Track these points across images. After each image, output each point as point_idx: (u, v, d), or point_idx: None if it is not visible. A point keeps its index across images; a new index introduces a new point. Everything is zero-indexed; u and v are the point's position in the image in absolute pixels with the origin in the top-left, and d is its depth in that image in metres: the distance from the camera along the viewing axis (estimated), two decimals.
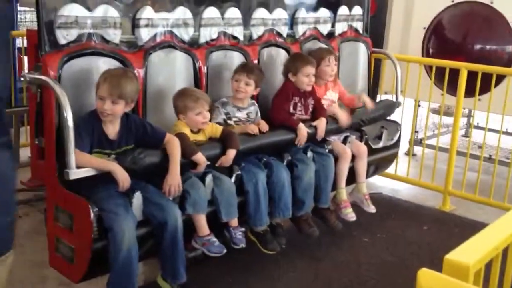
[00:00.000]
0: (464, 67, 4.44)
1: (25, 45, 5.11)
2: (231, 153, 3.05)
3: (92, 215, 2.55)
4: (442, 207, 4.63)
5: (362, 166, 3.91)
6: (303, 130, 3.47)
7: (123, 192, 2.66)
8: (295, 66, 3.59)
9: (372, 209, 3.98)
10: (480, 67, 4.49)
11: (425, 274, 1.18)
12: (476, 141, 5.58)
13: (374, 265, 3.54)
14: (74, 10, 2.76)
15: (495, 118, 4.74)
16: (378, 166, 4.34)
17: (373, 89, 4.89)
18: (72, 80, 2.75)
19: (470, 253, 1.29)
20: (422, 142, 5.30)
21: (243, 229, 3.14)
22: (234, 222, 3.11)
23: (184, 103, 3.02)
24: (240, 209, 3.13)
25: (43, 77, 2.64)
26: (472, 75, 4.43)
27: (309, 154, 3.58)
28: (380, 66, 5.07)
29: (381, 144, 4.24)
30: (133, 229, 2.58)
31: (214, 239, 2.95)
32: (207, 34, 3.45)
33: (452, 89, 4.62)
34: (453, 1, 5.26)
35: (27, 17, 8.83)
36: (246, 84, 3.33)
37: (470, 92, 4.48)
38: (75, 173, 2.53)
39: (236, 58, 3.61)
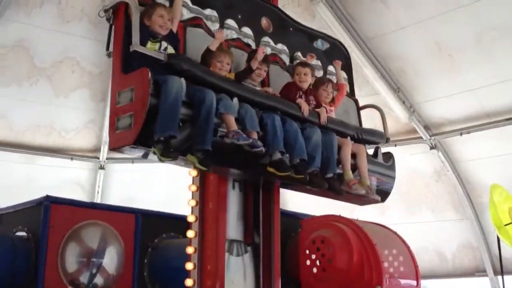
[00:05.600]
0: None
1: None
2: None
3: (149, 74, 3.47)
4: None
5: (363, 163, 4.65)
6: (304, 103, 4.34)
7: None
8: (292, 69, 4.72)
9: (376, 196, 4.78)
10: None
11: None
12: None
13: None
14: None
15: None
16: (378, 178, 4.95)
17: None
18: None
19: None
20: None
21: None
22: (254, 135, 3.88)
23: None
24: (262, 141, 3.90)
25: None
26: None
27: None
28: None
29: (378, 160, 4.96)
30: (182, 85, 3.59)
31: (242, 133, 3.77)
32: None
33: None
34: None
35: None
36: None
37: None
38: (137, 47, 3.56)
39: None
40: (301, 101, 4.35)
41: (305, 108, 4.31)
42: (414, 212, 10.32)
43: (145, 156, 3.82)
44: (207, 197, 4.14)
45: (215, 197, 4.14)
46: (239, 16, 4.65)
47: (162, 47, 3.87)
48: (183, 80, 3.64)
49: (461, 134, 9.41)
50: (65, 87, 9.74)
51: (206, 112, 3.62)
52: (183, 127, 3.62)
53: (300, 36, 5.23)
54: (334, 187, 4.38)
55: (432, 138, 9.74)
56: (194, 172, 4.22)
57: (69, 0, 8.83)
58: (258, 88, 4.30)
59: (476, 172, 9.74)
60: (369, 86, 9.23)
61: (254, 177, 4.39)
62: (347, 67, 5.63)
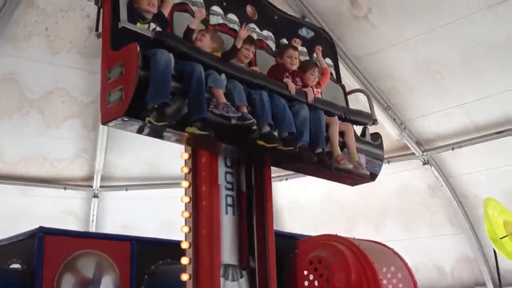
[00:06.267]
0: None
1: None
2: None
3: (138, 48, 3.54)
4: None
5: (351, 140, 4.74)
6: (290, 82, 4.42)
7: None
8: (280, 51, 4.84)
9: (366, 171, 4.83)
10: None
11: None
12: None
13: None
14: None
15: None
16: (368, 159, 5.08)
17: None
18: None
19: None
20: None
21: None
22: (243, 109, 3.95)
23: None
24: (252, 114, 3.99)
25: None
26: None
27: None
28: None
29: (366, 139, 5.10)
30: (171, 58, 3.68)
31: (231, 105, 3.83)
32: None
33: None
34: None
35: None
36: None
37: None
38: (126, 23, 3.63)
39: None
40: (288, 80, 4.44)
41: (292, 87, 4.39)
42: (410, 228, 10.33)
43: (139, 130, 3.82)
44: (200, 223, 4.13)
45: (208, 222, 4.13)
46: (224, 3, 4.76)
47: (151, 28, 3.94)
48: (171, 54, 3.72)
49: (452, 149, 9.48)
50: (56, 117, 9.75)
51: (196, 82, 3.71)
52: (173, 100, 3.68)
53: (285, 24, 5.36)
54: (323, 162, 4.47)
55: (425, 153, 9.81)
56: (186, 197, 4.24)
57: (57, 32, 8.88)
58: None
59: (470, 185, 9.79)
60: (359, 104, 9.30)
61: (245, 153, 4.44)
62: (333, 55, 5.78)
